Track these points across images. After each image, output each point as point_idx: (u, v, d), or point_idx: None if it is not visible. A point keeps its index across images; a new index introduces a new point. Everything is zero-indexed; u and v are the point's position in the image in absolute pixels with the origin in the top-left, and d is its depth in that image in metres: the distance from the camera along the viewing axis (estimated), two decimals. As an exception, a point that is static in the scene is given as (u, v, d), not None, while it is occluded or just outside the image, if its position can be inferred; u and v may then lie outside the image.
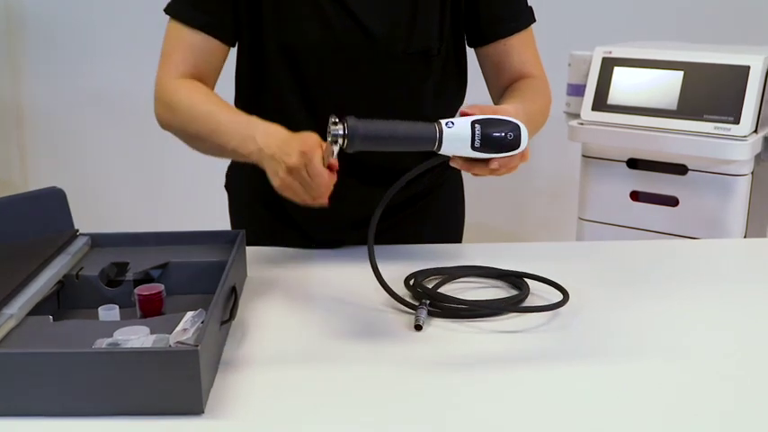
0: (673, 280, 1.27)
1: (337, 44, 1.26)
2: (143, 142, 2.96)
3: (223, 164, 1.56)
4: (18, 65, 2.96)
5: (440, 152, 1.01)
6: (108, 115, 2.99)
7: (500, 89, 1.37)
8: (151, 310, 1.08)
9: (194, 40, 1.26)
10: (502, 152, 1.00)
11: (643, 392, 0.92)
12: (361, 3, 1.25)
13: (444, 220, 1.52)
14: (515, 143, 1.00)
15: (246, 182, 1.46)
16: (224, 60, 1.30)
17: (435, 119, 1.07)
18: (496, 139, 0.99)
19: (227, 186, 1.53)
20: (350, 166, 1.35)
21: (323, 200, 1.10)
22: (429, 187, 1.45)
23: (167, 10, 1.28)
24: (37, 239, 1.20)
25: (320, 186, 1.08)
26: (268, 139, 1.12)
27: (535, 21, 1.36)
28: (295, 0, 1.25)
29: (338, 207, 1.39)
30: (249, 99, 1.36)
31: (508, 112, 1.04)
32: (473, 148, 0.99)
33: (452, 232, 1.53)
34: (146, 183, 3.02)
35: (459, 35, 1.34)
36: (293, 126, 1.32)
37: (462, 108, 1.05)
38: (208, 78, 1.28)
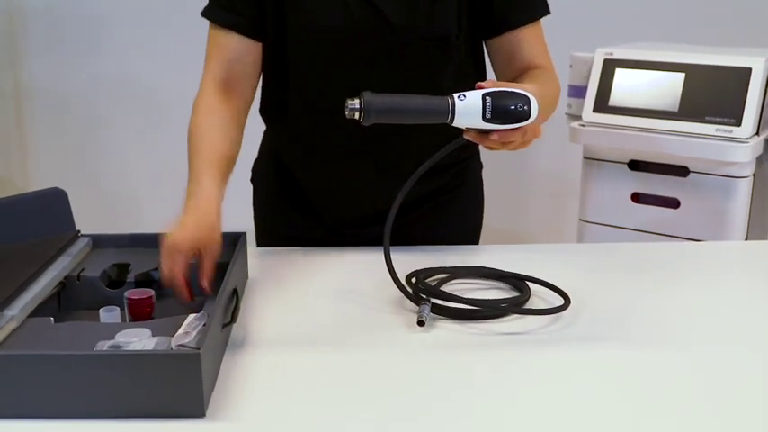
0: (674, 282, 1.27)
1: (356, 31, 1.28)
2: (145, 142, 2.96)
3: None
4: (19, 62, 2.96)
5: (453, 124, 1.06)
6: (109, 115, 2.98)
7: (509, 80, 1.37)
8: (140, 314, 1.08)
9: (227, 43, 1.31)
10: (513, 123, 1.04)
11: (645, 394, 0.92)
12: None
13: (463, 221, 1.52)
14: (525, 115, 1.04)
15: (274, 175, 1.48)
16: (261, 56, 1.34)
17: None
18: (507, 111, 1.03)
19: (252, 180, 1.55)
20: (369, 159, 1.35)
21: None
22: (449, 185, 1.45)
23: (203, 13, 1.32)
24: (38, 240, 1.20)
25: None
26: (177, 225, 1.12)
27: (549, 12, 1.36)
28: None
29: (359, 202, 1.41)
30: (272, 84, 1.39)
31: (523, 88, 1.08)
32: (484, 119, 1.03)
33: (470, 234, 1.53)
34: (147, 183, 3.01)
35: (476, 25, 1.34)
36: (313, 113, 1.35)
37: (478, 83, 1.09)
38: (242, 78, 1.32)
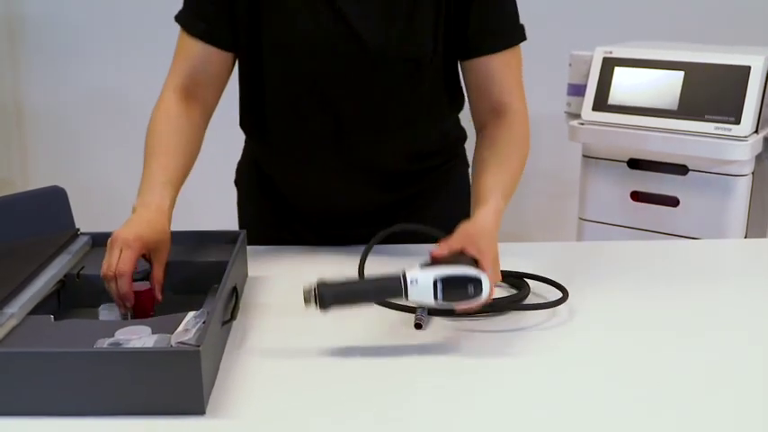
0: (673, 280, 1.27)
1: (329, 47, 1.26)
2: (144, 141, 2.96)
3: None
4: (19, 64, 2.96)
5: (408, 303, 1.06)
6: (109, 114, 2.98)
7: (480, 117, 1.34)
8: (141, 307, 1.08)
9: (194, 49, 1.30)
10: (464, 303, 1.04)
11: (642, 391, 0.92)
12: (355, 8, 1.25)
13: (447, 219, 1.51)
14: (477, 296, 1.03)
15: (256, 178, 1.48)
16: (228, 65, 1.33)
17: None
18: (458, 294, 1.03)
19: (236, 182, 1.54)
20: (343, 164, 1.36)
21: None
22: (431, 186, 1.45)
23: (177, 18, 1.32)
24: (38, 238, 1.20)
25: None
26: (126, 223, 1.12)
27: (525, 39, 1.33)
28: (292, 3, 1.26)
29: (340, 204, 1.40)
30: (248, 99, 1.38)
31: (484, 229, 1.11)
32: (436, 303, 1.03)
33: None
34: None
35: (452, 46, 1.33)
36: (288, 130, 1.35)
37: (434, 249, 1.08)
38: (205, 86, 1.31)
